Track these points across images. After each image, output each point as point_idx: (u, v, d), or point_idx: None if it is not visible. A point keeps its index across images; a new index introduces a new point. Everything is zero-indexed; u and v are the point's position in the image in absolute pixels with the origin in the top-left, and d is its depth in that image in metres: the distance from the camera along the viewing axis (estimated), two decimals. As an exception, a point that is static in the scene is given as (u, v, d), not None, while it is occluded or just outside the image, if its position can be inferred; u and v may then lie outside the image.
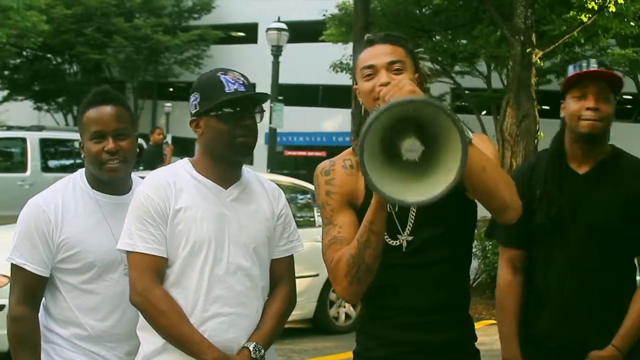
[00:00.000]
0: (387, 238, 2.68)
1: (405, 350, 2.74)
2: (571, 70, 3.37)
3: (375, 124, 2.20)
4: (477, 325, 3.08)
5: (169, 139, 21.76)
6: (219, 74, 2.94)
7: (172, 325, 2.81)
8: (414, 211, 2.72)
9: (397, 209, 2.71)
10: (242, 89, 2.90)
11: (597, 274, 3.28)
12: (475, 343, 2.88)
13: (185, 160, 3.05)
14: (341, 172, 2.78)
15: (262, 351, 2.92)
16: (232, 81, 2.91)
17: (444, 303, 2.75)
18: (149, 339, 2.90)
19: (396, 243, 2.72)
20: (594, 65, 3.33)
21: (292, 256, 3.17)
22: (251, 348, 2.89)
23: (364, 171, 2.22)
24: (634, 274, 3.43)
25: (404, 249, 2.72)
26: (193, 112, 2.97)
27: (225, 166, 2.97)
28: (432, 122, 2.23)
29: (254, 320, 2.96)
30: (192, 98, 2.97)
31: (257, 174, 3.19)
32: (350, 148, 2.83)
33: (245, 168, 3.09)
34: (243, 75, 2.97)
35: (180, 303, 2.85)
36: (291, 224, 3.18)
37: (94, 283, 3.07)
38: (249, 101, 2.92)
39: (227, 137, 2.89)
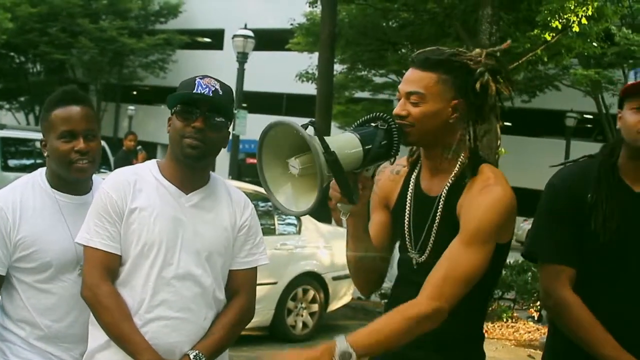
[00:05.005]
0: (410, 249, 2.85)
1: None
2: (632, 77, 3.00)
3: (262, 143, 2.55)
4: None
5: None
6: (196, 78, 2.96)
7: (114, 323, 2.82)
8: (434, 231, 2.77)
9: (409, 226, 2.86)
10: (209, 94, 2.90)
11: None
12: None
13: (153, 161, 3.05)
14: (387, 175, 3.00)
15: None
16: (204, 85, 2.91)
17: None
18: (95, 334, 2.92)
19: (412, 257, 2.84)
20: None
21: (254, 269, 3.15)
22: (192, 356, 2.88)
23: (261, 177, 2.54)
24: None
25: (414, 266, 2.82)
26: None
27: (185, 169, 2.96)
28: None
29: (201, 327, 2.95)
30: None
31: (228, 183, 3.18)
32: (407, 155, 2.99)
33: (216, 176, 3.09)
34: (223, 85, 2.97)
35: (127, 302, 2.86)
36: (256, 236, 3.15)
37: (51, 283, 3.05)
38: (210, 107, 2.90)
39: (178, 135, 2.89)
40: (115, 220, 2.88)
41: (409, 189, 2.87)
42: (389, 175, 2.98)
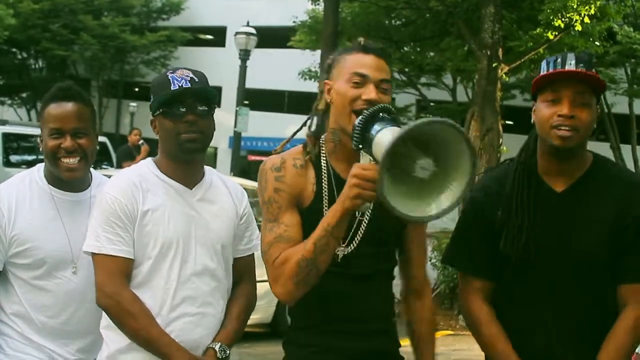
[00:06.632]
0: None
1: (337, 357, 2.74)
2: (544, 68, 2.87)
3: (393, 147, 2.17)
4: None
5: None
6: (167, 73, 2.95)
7: (142, 328, 2.82)
8: (364, 222, 2.72)
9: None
10: (188, 85, 2.89)
11: (580, 311, 2.83)
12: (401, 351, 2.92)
13: (149, 160, 3.04)
14: (292, 171, 2.73)
15: (227, 351, 2.94)
16: (179, 78, 2.90)
17: (374, 313, 2.79)
18: (114, 338, 2.89)
19: (337, 251, 2.67)
20: (571, 62, 2.79)
21: (252, 255, 3.18)
22: (217, 348, 2.91)
23: (381, 191, 2.21)
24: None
25: (338, 259, 2.69)
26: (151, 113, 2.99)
27: (183, 166, 2.96)
28: (445, 143, 2.26)
29: (220, 319, 2.99)
30: (150, 101, 2.99)
31: (219, 174, 3.19)
32: (300, 146, 2.80)
33: (207, 167, 3.10)
34: (195, 72, 2.96)
35: (148, 303, 2.85)
36: (252, 222, 3.18)
37: (45, 280, 3.04)
38: (193, 98, 2.90)
39: (173, 133, 2.89)
40: (126, 224, 2.86)
41: (324, 182, 2.72)
42: (295, 170, 2.72)
